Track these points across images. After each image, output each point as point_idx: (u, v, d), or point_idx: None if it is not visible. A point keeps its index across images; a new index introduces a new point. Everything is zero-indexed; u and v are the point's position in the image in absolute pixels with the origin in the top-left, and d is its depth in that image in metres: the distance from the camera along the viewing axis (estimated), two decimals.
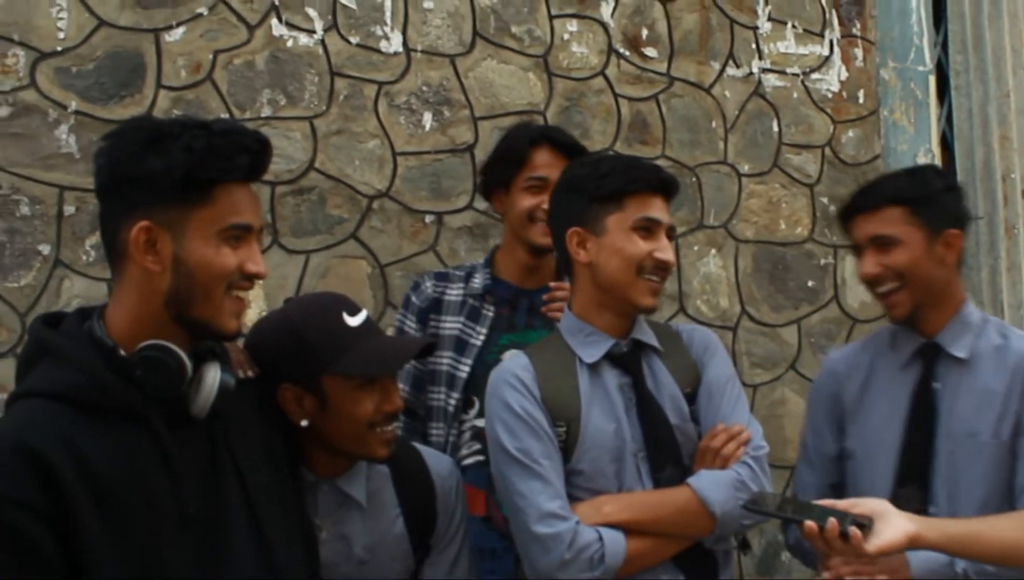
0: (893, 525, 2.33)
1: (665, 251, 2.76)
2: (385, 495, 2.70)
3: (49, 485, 1.94)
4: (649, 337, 2.85)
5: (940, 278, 2.94)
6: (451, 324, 3.38)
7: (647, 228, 2.76)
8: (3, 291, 3.63)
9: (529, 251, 3.38)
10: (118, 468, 2.01)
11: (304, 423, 2.52)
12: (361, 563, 2.64)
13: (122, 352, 2.08)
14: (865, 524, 2.31)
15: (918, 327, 2.98)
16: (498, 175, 3.47)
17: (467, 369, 3.28)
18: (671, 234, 2.82)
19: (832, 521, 2.29)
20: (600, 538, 2.67)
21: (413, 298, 3.49)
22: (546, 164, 3.34)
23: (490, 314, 3.38)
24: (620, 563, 2.67)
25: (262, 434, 2.30)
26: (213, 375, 2.13)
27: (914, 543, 2.35)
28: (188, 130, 2.06)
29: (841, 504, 2.37)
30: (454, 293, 3.44)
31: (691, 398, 2.83)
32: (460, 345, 3.33)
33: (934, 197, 2.95)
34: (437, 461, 2.82)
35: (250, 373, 2.37)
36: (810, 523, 2.32)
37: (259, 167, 2.15)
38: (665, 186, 2.81)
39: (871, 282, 2.97)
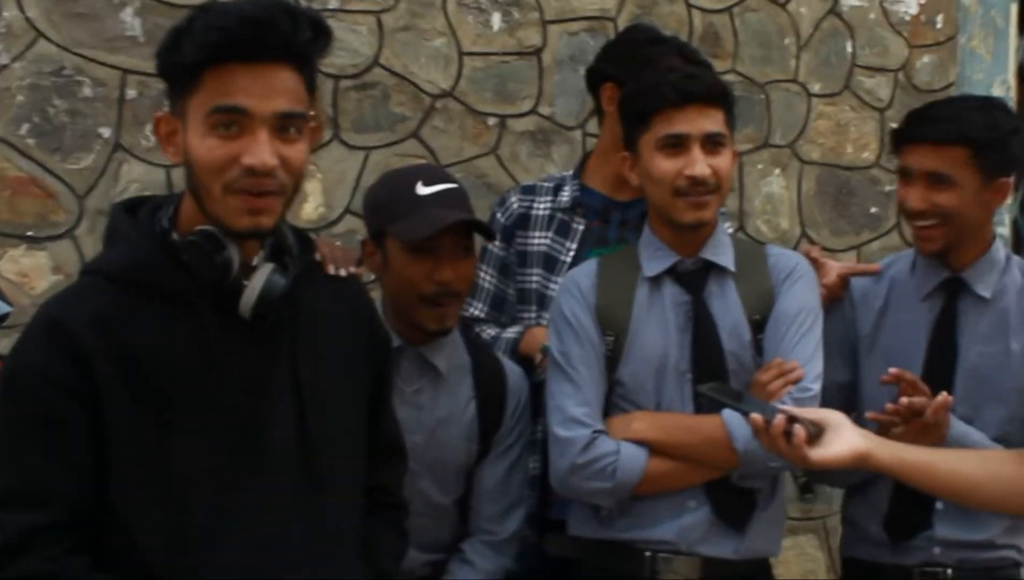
0: (843, 438, 2.23)
1: (695, 165, 2.64)
2: (463, 377, 2.84)
3: (78, 360, 1.93)
4: (723, 257, 2.76)
5: (979, 221, 2.86)
6: (539, 240, 3.26)
7: (673, 145, 2.66)
8: (63, 172, 3.60)
9: None
10: (155, 350, 1.97)
11: (372, 276, 2.86)
12: (431, 433, 2.76)
13: (175, 236, 2.03)
14: (813, 431, 2.21)
15: (944, 260, 2.89)
16: (618, 72, 3.24)
17: (557, 287, 3.18)
18: (717, 140, 2.68)
19: (780, 417, 2.20)
20: (617, 451, 2.66)
21: (498, 215, 3.34)
22: None
23: (580, 228, 3.24)
24: (635, 480, 2.66)
25: (347, 336, 2.23)
26: (260, 276, 2.02)
27: (862, 461, 2.25)
28: (190, 16, 1.96)
29: (797, 410, 2.28)
30: (542, 207, 3.29)
31: (760, 326, 2.74)
32: (550, 262, 3.22)
33: (1000, 142, 2.82)
34: (512, 367, 2.95)
35: (342, 271, 2.30)
36: (756, 416, 2.22)
37: (244, 45, 1.93)
38: (694, 96, 2.67)
39: (912, 215, 2.85)
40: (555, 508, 3.02)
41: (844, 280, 3.05)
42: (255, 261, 2.06)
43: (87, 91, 3.62)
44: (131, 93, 3.65)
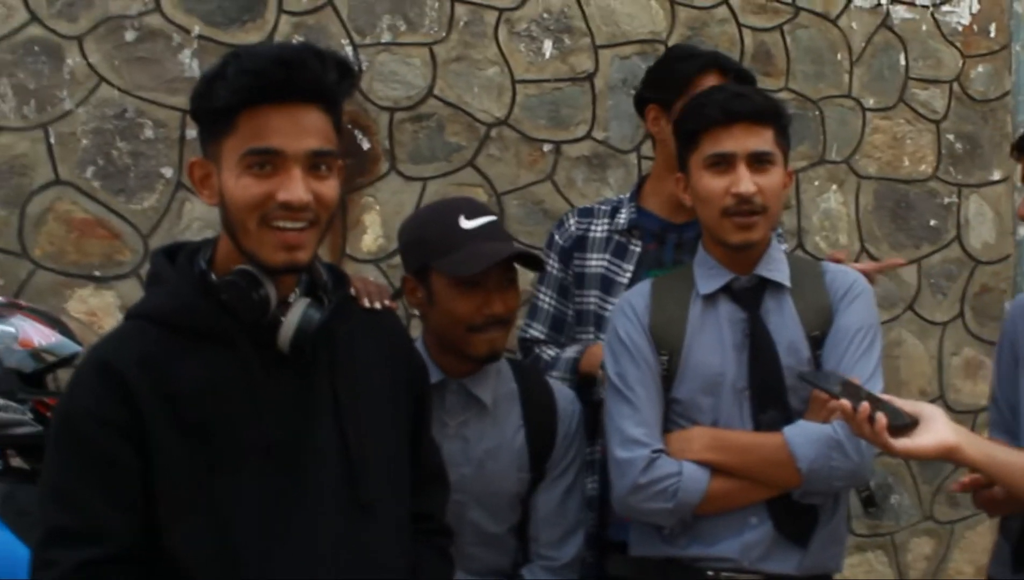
0: (933, 430, 2.22)
1: (740, 183, 2.62)
2: (510, 407, 2.83)
3: (127, 400, 1.98)
4: (778, 273, 2.75)
5: None
6: (596, 261, 3.27)
7: (720, 163, 2.66)
8: (127, 213, 3.69)
9: None
10: (199, 390, 2.02)
11: (415, 313, 2.80)
12: (480, 465, 2.75)
13: (213, 277, 2.08)
14: (905, 421, 2.22)
15: None
16: (658, 93, 3.30)
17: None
18: (764, 159, 2.67)
19: (865, 405, 2.21)
20: (679, 472, 2.65)
21: (556, 237, 3.38)
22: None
23: (637, 250, 3.26)
24: (696, 501, 2.65)
25: (385, 368, 2.26)
26: (297, 311, 2.07)
27: (950, 455, 2.25)
28: (222, 61, 2.02)
29: (898, 401, 2.27)
30: (599, 229, 3.31)
31: (818, 342, 2.72)
32: (607, 284, 3.24)
33: None
34: (562, 390, 2.94)
35: (377, 305, 2.35)
36: (845, 401, 2.24)
37: (276, 87, 1.98)
38: (740, 114, 2.66)
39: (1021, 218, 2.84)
40: (613, 528, 3.02)
41: (870, 277, 3.04)
42: (291, 298, 2.11)
43: (149, 132, 3.70)
44: (191, 133, 3.70)
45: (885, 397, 2.30)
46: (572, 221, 3.38)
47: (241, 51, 2.06)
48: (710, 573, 2.69)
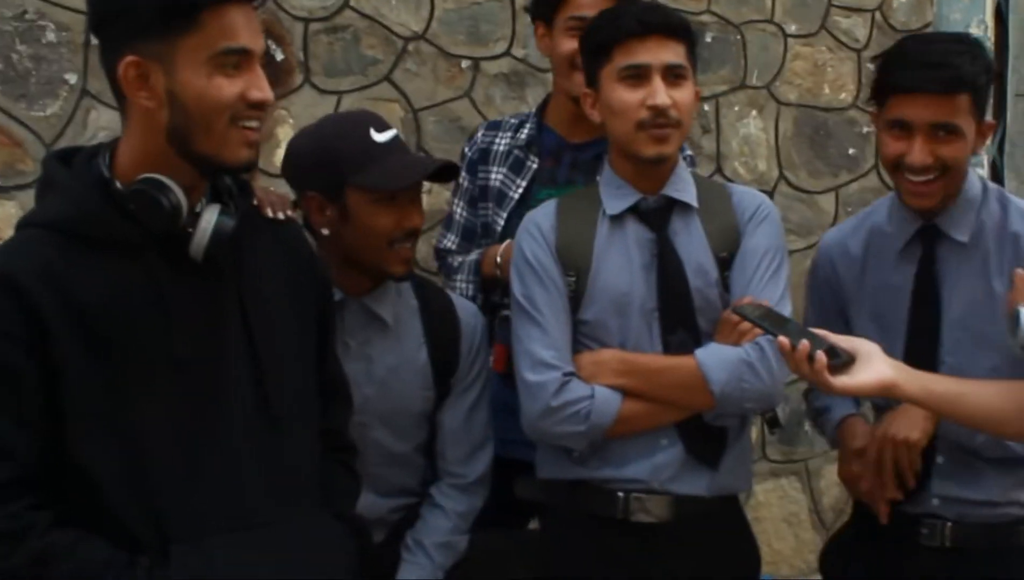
0: (872, 367, 2.23)
1: (656, 95, 2.60)
2: (411, 323, 2.80)
3: (28, 314, 1.93)
4: (685, 193, 2.73)
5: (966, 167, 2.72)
6: (495, 175, 3.26)
7: (634, 75, 2.63)
8: (29, 120, 3.56)
9: (572, 100, 3.12)
10: (107, 302, 1.97)
11: (325, 232, 2.65)
12: (383, 384, 2.72)
13: (118, 185, 2.02)
14: (843, 359, 2.21)
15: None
16: (540, 9, 3.26)
17: (502, 222, 3.19)
18: (678, 72, 2.64)
19: (804, 342, 2.21)
20: (591, 395, 2.64)
21: (466, 149, 3.37)
22: (590, 3, 3.08)
23: (533, 166, 3.23)
24: (608, 424, 2.64)
25: (289, 280, 2.23)
26: (209, 217, 2.03)
27: (889, 391, 2.26)
28: None
29: (833, 337, 2.26)
30: (502, 143, 3.29)
31: (726, 263, 2.71)
32: (500, 197, 3.22)
33: (990, 84, 2.68)
34: (464, 304, 2.91)
35: (280, 215, 2.32)
36: (783, 339, 2.23)
37: None
38: (654, 27, 2.63)
39: (913, 170, 2.63)
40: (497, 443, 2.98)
41: None
42: (198, 207, 2.06)
43: (51, 36, 3.57)
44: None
45: (821, 333, 2.28)
46: (480, 134, 3.38)
47: None
48: (620, 495, 2.68)
